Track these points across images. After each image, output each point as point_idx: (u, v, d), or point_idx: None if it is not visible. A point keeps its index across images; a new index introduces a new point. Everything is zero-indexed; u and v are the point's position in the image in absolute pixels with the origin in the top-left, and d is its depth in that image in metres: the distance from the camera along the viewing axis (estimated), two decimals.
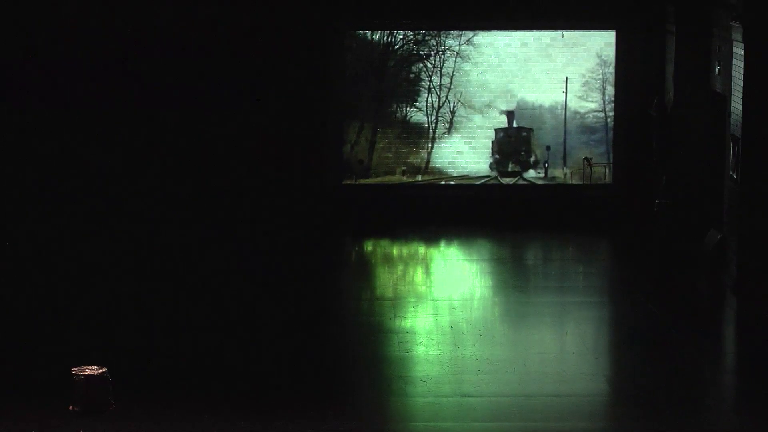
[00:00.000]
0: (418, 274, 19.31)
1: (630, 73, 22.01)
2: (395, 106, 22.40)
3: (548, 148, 22.42)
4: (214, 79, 21.35)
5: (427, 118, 22.41)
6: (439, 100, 22.34)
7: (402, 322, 16.33)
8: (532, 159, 22.48)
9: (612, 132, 22.25)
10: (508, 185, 22.40)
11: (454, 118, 22.36)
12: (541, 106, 22.38)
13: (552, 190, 22.42)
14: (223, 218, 21.15)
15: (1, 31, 20.69)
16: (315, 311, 17.09)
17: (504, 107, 22.41)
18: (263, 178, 21.62)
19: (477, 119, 22.40)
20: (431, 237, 21.21)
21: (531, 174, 22.49)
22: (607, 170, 22.30)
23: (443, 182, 22.48)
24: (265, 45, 21.37)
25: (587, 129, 22.40)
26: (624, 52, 22.03)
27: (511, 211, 22.10)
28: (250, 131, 21.59)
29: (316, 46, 21.78)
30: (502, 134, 22.48)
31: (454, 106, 22.30)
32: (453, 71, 22.25)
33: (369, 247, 20.84)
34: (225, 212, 21.29)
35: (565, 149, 22.40)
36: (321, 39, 21.83)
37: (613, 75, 22.15)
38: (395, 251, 20.62)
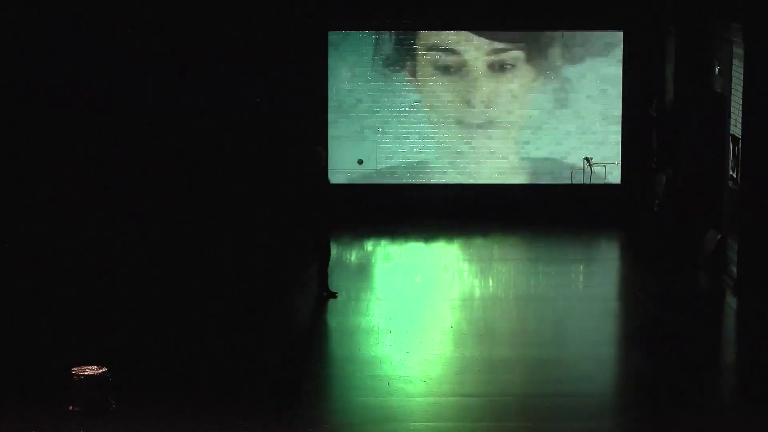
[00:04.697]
0: (419, 274, 19.29)
1: (635, 73, 22.04)
2: (395, 105, 22.38)
3: None
4: (212, 80, 21.35)
5: (428, 117, 22.40)
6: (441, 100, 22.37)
7: (402, 321, 16.32)
8: None
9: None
10: (508, 185, 22.37)
11: (456, 118, 22.39)
12: None
13: (554, 189, 22.41)
14: (220, 218, 21.15)
15: (2, 30, 20.71)
16: (315, 311, 17.09)
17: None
18: (260, 178, 21.63)
19: (477, 119, 22.40)
20: (432, 236, 21.20)
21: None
22: (606, 169, 22.28)
23: (445, 182, 22.48)
24: (263, 45, 21.38)
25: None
26: (630, 52, 22.04)
27: (513, 211, 22.10)
28: (248, 130, 21.59)
29: (315, 46, 21.80)
30: None
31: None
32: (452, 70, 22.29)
33: (369, 246, 20.83)
34: (222, 212, 21.28)
35: None
36: (320, 39, 21.84)
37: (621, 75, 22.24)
38: (395, 251, 20.61)
